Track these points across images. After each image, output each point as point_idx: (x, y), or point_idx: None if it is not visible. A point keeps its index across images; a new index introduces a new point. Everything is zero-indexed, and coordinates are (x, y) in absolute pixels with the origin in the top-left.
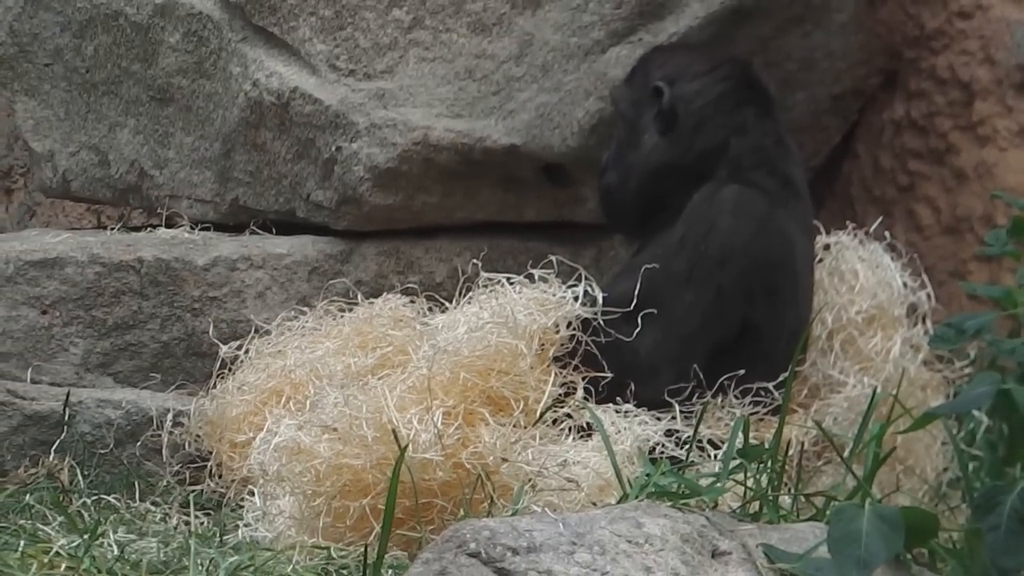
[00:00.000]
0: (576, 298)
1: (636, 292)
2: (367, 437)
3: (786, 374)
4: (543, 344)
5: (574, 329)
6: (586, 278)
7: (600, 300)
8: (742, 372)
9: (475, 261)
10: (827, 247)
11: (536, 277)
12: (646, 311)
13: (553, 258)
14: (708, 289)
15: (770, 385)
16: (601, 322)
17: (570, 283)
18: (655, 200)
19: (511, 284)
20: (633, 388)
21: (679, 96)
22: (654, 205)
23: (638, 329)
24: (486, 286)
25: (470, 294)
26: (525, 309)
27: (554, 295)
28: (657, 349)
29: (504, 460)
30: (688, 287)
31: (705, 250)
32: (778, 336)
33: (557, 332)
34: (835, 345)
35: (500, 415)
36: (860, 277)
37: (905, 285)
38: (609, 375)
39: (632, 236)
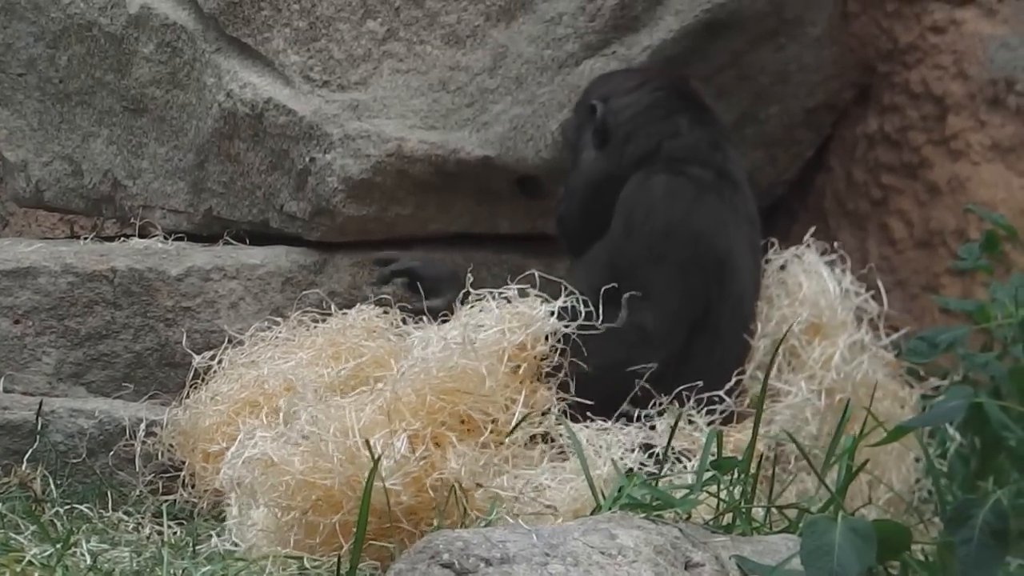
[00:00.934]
0: (553, 313)
1: (599, 281)
2: (334, 458)
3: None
4: (518, 363)
5: (553, 344)
6: (570, 292)
7: (581, 313)
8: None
9: (469, 274)
10: (783, 266)
11: (517, 293)
12: (629, 293)
13: (535, 273)
14: (672, 266)
15: (722, 393)
16: (594, 313)
17: (560, 298)
18: (597, 214)
19: (494, 299)
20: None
21: (611, 110)
22: (597, 220)
23: (631, 311)
24: (471, 303)
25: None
26: (499, 326)
27: (533, 310)
28: (656, 325)
29: (479, 486)
30: (655, 267)
31: (652, 230)
32: (726, 311)
33: (532, 349)
34: (778, 356)
35: (470, 437)
36: (803, 288)
37: (846, 291)
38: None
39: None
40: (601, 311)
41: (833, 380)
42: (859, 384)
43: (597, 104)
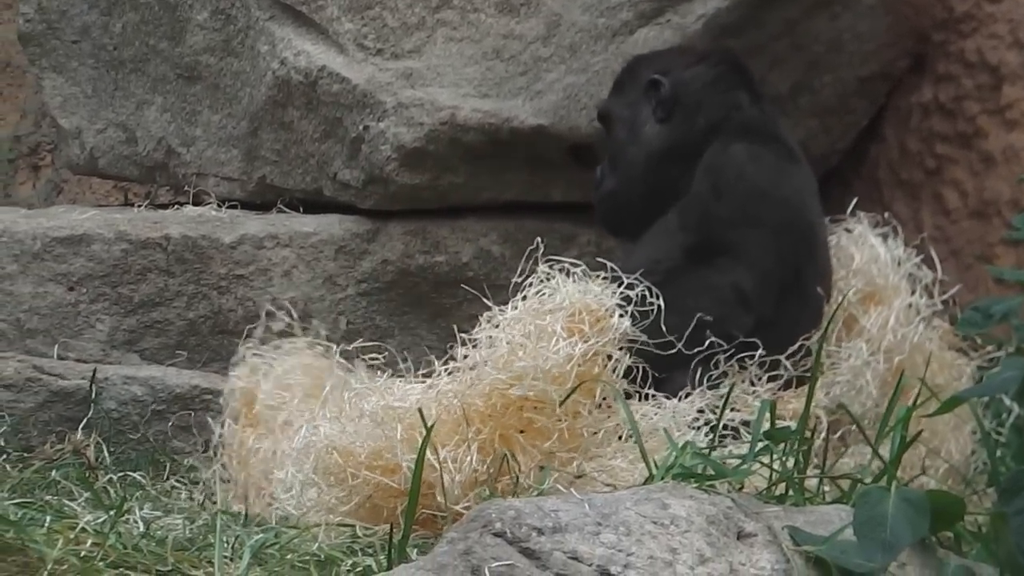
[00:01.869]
0: (623, 314)
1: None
2: (400, 465)
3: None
4: (582, 363)
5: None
6: (637, 280)
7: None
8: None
9: (540, 240)
10: (835, 238)
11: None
12: (721, 256)
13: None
14: (767, 228)
15: (783, 358)
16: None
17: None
18: (661, 188)
19: (564, 280)
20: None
21: (677, 82)
22: (661, 194)
23: (725, 272)
24: (541, 279)
25: (530, 279)
26: (568, 337)
27: (603, 305)
28: (753, 285)
29: (542, 468)
30: (749, 229)
31: (745, 191)
32: (814, 275)
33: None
34: (837, 324)
35: (538, 440)
36: (855, 261)
37: (898, 259)
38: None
39: (634, 238)
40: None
41: (890, 342)
42: (915, 348)
43: (660, 78)
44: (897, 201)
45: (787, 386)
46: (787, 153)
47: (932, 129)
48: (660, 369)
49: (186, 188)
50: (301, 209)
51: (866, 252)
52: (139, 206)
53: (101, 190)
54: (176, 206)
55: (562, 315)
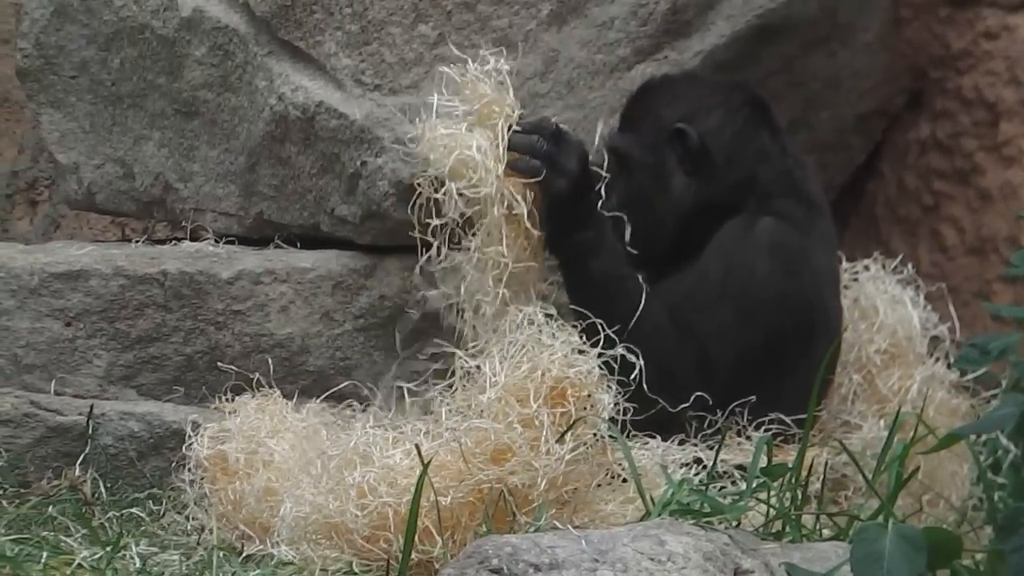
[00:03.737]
0: (608, 385)
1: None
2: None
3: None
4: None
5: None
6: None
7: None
8: (753, 399)
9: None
10: (854, 278)
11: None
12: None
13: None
14: (756, 337)
15: (785, 416)
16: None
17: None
18: (684, 245)
19: (541, 328)
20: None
21: (705, 132)
22: (680, 251)
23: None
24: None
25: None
26: (548, 405)
27: (587, 376)
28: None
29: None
30: (736, 337)
31: (748, 302)
32: (808, 372)
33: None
34: (853, 383)
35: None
36: (880, 314)
37: (924, 322)
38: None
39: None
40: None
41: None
42: (940, 406)
43: (686, 128)
44: (894, 238)
45: (788, 440)
46: (806, 216)
47: (929, 166)
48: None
49: (183, 223)
50: (299, 244)
51: (892, 308)
52: (136, 241)
53: (98, 225)
54: (173, 241)
55: (545, 392)
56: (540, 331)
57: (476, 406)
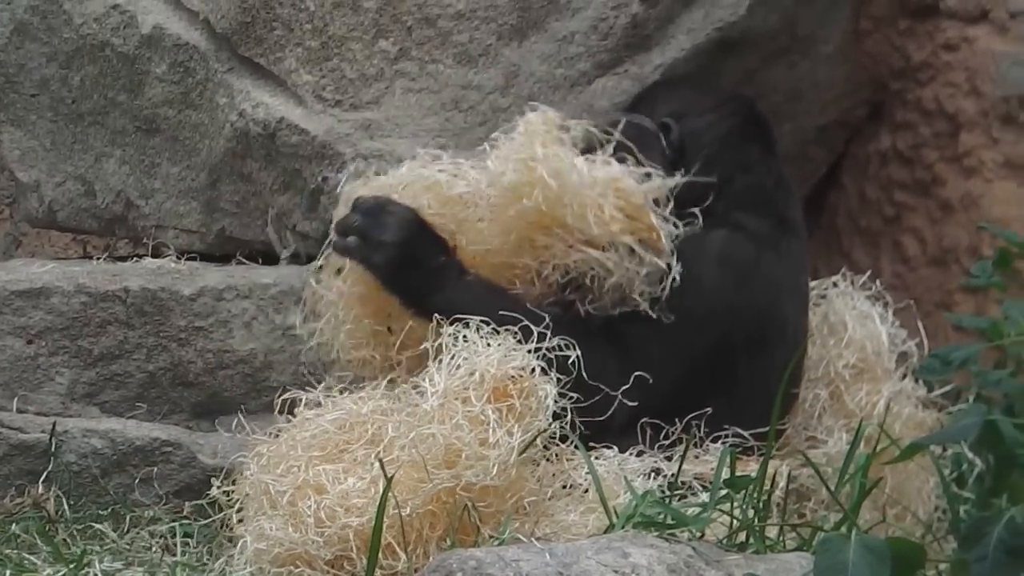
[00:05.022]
0: (549, 380)
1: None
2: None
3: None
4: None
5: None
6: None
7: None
8: (710, 411)
9: None
10: (821, 296)
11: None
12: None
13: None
14: (685, 353)
15: (743, 431)
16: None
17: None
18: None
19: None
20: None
21: (688, 131)
22: None
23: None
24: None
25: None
26: (494, 404)
27: (525, 368)
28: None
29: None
30: (668, 347)
31: (688, 311)
32: (764, 382)
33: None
34: (821, 399)
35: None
36: (848, 329)
37: (893, 337)
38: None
39: None
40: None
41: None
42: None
43: (671, 123)
44: (856, 249)
45: (747, 452)
46: (772, 233)
47: (891, 177)
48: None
49: (145, 240)
50: (260, 260)
51: (861, 324)
52: (98, 259)
53: (60, 243)
54: (135, 259)
55: (487, 391)
56: (473, 341)
57: (421, 416)
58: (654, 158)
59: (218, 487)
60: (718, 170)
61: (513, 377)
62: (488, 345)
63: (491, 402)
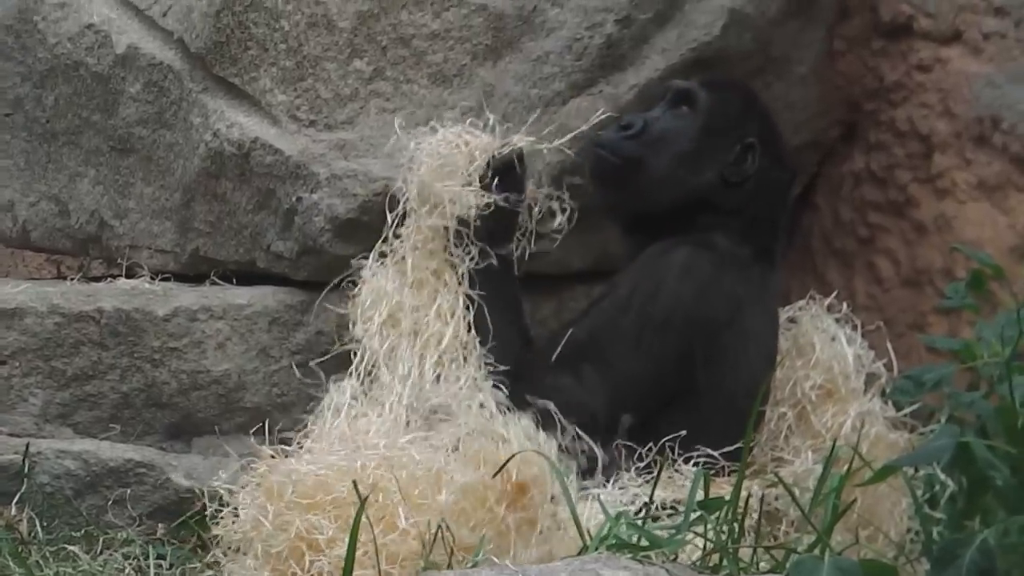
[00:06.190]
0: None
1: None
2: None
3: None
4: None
5: None
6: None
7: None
8: (684, 433)
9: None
10: (791, 319)
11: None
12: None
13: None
14: (651, 357)
15: (713, 451)
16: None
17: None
18: (669, 220)
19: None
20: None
21: (762, 166)
22: (664, 220)
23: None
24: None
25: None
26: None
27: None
28: (598, 400)
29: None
30: (634, 351)
31: (651, 314)
32: (727, 397)
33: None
34: (787, 419)
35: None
36: (816, 350)
37: (859, 358)
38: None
39: (619, 224)
40: None
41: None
42: (879, 441)
43: (757, 147)
44: (830, 270)
45: (718, 474)
46: (748, 259)
47: (864, 198)
48: None
49: (119, 261)
50: (235, 281)
51: (828, 345)
52: (72, 279)
53: (34, 263)
54: (109, 279)
55: (508, 491)
56: (488, 412)
57: (432, 505)
58: (720, 160)
59: (209, 516)
60: (758, 207)
61: (535, 479)
62: (505, 425)
63: (511, 508)
